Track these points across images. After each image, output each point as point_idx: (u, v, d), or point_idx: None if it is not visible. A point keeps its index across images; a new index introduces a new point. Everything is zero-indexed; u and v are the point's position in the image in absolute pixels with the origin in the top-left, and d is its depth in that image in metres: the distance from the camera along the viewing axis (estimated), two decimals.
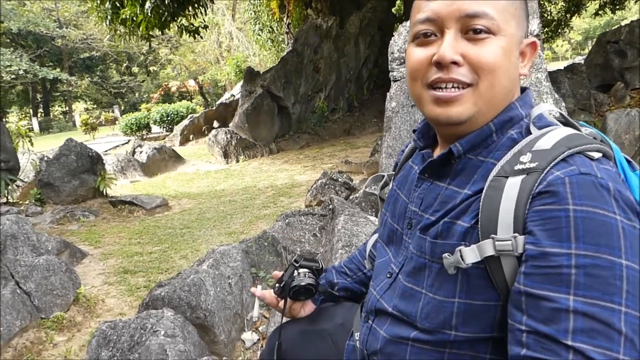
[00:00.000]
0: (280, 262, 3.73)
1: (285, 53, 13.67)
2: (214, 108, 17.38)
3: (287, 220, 4.08)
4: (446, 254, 0.81)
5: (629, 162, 0.84)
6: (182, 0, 7.31)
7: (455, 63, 0.82)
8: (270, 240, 3.67)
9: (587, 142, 0.78)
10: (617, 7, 16.19)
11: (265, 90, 11.98)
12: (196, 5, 7.73)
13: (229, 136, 11.67)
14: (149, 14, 7.35)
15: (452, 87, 0.84)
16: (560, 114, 0.87)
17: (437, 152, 0.98)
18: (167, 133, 18.06)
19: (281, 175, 9.46)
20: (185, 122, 16.40)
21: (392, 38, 4.43)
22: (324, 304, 1.34)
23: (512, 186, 0.76)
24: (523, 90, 0.92)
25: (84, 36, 33.60)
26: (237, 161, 11.43)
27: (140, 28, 8.26)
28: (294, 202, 7.16)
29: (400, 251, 0.98)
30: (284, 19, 15.37)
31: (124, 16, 8.01)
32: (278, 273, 1.32)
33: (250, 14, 19.54)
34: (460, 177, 0.88)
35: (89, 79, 38.68)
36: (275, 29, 17.67)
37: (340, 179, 6.53)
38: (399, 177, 1.10)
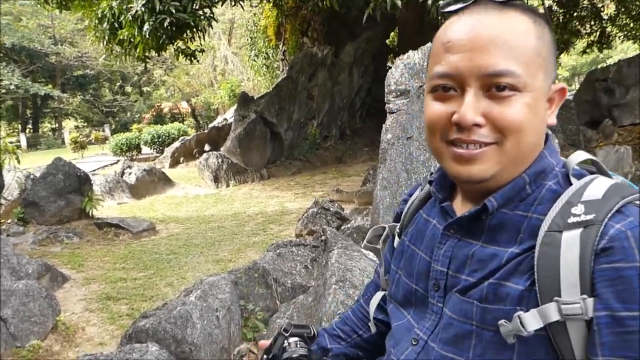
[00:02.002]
0: (270, 295, 3.62)
1: (279, 79, 13.73)
2: (206, 131, 17.34)
3: (278, 251, 3.99)
4: (502, 321, 0.73)
5: None
6: (181, 24, 7.30)
7: (476, 125, 0.77)
8: (260, 271, 3.57)
9: (634, 192, 0.74)
10: (604, 45, 16.65)
11: (259, 116, 11.98)
12: (195, 29, 7.74)
13: (220, 160, 11.60)
14: (147, 36, 7.34)
15: (474, 146, 0.78)
16: (592, 161, 0.83)
17: (458, 204, 0.90)
18: (157, 155, 17.93)
19: (271, 202, 9.37)
20: (177, 144, 16.30)
21: (390, 71, 4.43)
22: None
23: (571, 241, 0.70)
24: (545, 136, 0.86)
25: (79, 54, 33.65)
26: (228, 186, 11.33)
27: (137, 49, 8.24)
28: (284, 230, 7.06)
29: (426, 315, 0.89)
30: (280, 46, 15.49)
31: (121, 37, 7.99)
32: (265, 342, 1.19)
33: (247, 39, 19.70)
34: (499, 235, 0.81)
35: (81, 96, 38.54)
36: (270, 55, 17.78)
37: (331, 209, 6.47)
38: (411, 231, 1.00)
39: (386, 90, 4.40)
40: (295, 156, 13.09)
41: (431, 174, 0.98)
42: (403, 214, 1.06)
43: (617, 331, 0.66)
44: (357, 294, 2.77)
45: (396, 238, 1.06)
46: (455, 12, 0.83)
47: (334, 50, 13.59)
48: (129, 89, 41.91)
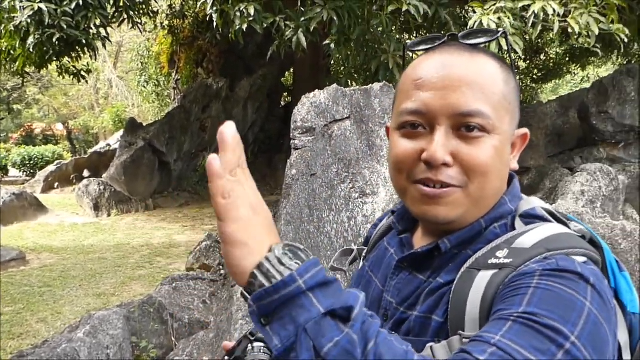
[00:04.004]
0: (165, 331, 3.42)
1: (171, 108, 13.35)
2: (86, 156, 16.24)
3: (174, 285, 3.80)
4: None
5: (617, 262, 0.81)
6: (72, 41, 6.85)
7: (445, 164, 0.76)
8: (156, 306, 3.37)
9: (573, 246, 0.72)
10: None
11: (148, 144, 11.49)
12: (86, 48, 7.30)
13: (102, 187, 10.87)
14: (30, 51, 6.78)
15: (441, 185, 0.78)
16: (550, 210, 0.83)
17: (418, 238, 0.92)
18: (28, 178, 16.37)
19: (158, 233, 8.94)
20: (52, 168, 15.01)
21: (296, 107, 4.52)
22: None
23: (482, 280, 0.72)
24: (510, 179, 0.87)
25: None
26: (109, 215, 10.62)
27: (17, 63, 7.57)
28: (172, 264, 6.75)
29: None
30: (173, 74, 15.13)
31: None
32: (228, 344, 1.16)
33: (137, 64, 18.98)
34: (443, 272, 0.81)
35: None
36: (162, 83, 17.27)
37: None
38: (372, 257, 1.00)
39: (292, 126, 4.47)
40: (184, 187, 12.68)
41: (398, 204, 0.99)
42: (371, 239, 1.06)
43: (491, 320, 0.66)
44: None
45: (361, 262, 1.06)
46: (424, 50, 0.84)
47: (230, 84, 13.57)
48: None
